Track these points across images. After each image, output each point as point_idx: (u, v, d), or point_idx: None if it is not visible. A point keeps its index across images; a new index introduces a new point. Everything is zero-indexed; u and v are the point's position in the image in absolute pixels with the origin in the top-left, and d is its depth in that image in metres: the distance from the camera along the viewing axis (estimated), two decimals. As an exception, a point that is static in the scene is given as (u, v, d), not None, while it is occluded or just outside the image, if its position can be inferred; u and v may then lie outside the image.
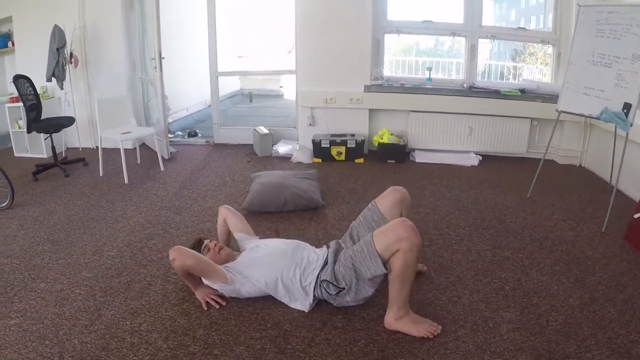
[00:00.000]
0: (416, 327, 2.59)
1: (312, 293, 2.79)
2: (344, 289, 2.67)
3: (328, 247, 3.00)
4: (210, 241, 3.12)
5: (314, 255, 2.93)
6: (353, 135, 6.21)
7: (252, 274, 2.87)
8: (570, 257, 3.50)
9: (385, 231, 2.54)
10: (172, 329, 2.68)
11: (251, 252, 3.05)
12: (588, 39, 4.32)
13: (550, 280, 3.17)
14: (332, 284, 2.69)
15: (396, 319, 2.60)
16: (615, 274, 3.25)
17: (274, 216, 4.29)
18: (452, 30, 6.43)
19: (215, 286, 2.91)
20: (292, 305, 2.86)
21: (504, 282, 3.14)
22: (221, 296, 2.95)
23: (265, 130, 6.57)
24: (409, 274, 2.50)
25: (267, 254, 2.96)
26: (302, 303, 2.83)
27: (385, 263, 2.49)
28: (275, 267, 2.84)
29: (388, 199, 3.01)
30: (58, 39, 6.28)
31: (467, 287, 3.08)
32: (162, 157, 6.03)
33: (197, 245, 3.08)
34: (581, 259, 3.47)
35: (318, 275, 2.78)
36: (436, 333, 2.58)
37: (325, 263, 2.84)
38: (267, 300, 2.91)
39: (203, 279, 2.94)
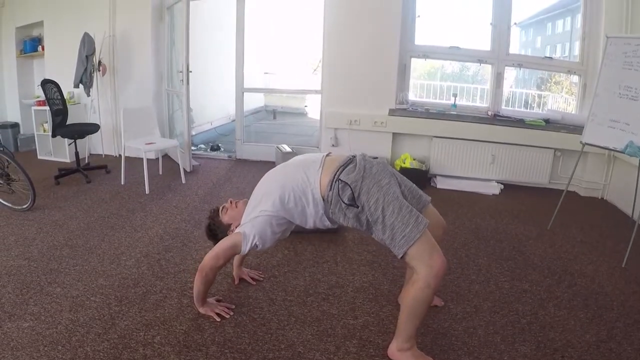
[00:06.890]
0: None
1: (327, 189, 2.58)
2: (357, 207, 2.49)
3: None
4: (226, 202, 3.09)
5: (320, 155, 2.79)
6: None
7: (258, 206, 2.73)
8: (589, 292, 3.44)
9: (429, 247, 2.36)
10: (185, 344, 2.67)
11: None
12: (615, 70, 4.29)
13: (568, 315, 3.12)
14: (352, 192, 2.49)
15: (399, 350, 2.54)
16: (633, 311, 3.19)
17: (293, 237, 4.20)
18: (479, 57, 6.41)
19: (245, 249, 2.73)
20: (317, 226, 2.75)
21: (520, 315, 3.10)
22: (227, 306, 2.99)
23: (288, 149, 6.60)
24: (419, 311, 2.39)
25: (263, 181, 2.87)
26: (317, 214, 2.68)
27: (405, 255, 2.36)
28: (278, 182, 2.72)
29: (433, 218, 2.75)
30: (87, 46, 6.41)
31: (484, 319, 3.04)
32: (184, 170, 6.08)
33: (215, 213, 3.08)
34: (600, 294, 3.41)
35: (337, 170, 2.60)
36: None
37: (350, 163, 2.68)
38: (282, 321, 2.91)
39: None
